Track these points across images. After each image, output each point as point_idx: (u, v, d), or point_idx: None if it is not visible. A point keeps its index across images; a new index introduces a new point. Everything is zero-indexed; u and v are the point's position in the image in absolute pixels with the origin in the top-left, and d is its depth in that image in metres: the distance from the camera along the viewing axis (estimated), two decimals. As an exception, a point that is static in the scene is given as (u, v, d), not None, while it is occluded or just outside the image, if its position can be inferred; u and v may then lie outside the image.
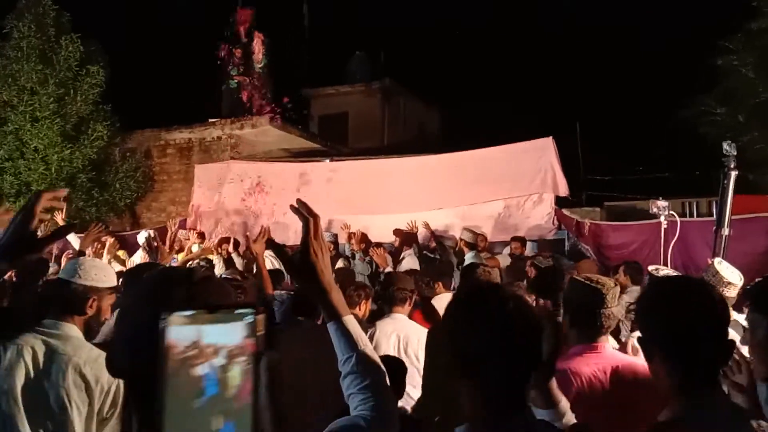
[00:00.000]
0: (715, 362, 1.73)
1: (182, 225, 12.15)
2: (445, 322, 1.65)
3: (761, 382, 2.20)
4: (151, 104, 16.23)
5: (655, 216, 6.21)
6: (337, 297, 1.55)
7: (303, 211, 1.54)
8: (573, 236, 9.94)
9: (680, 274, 4.51)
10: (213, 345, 0.90)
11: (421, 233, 10.08)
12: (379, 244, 8.98)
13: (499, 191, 10.81)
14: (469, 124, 19.54)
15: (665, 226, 6.03)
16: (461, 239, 9.39)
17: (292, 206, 1.56)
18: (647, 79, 18.26)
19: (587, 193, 11.72)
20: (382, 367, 1.55)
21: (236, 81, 14.48)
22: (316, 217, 1.54)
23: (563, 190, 10.42)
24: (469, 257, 8.97)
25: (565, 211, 10.40)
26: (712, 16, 13.45)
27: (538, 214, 10.53)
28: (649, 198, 11.01)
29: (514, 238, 9.48)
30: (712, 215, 7.89)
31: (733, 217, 7.40)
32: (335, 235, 10.61)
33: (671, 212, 6.11)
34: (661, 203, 6.18)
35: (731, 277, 3.97)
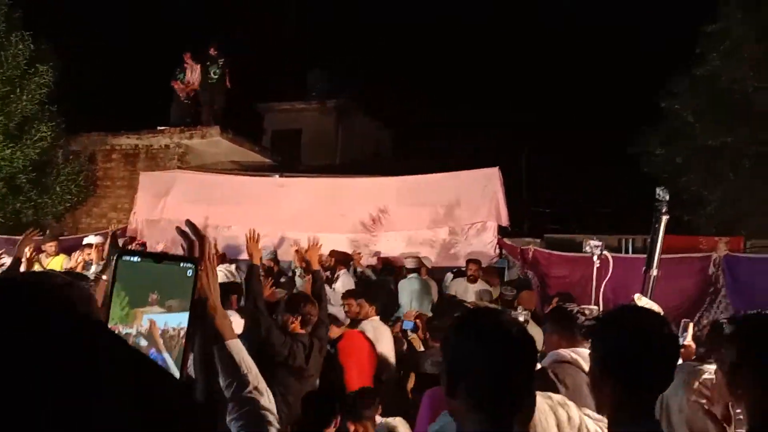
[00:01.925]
0: (654, 388, 1.84)
1: (122, 233, 11.93)
2: (445, 342, 1.71)
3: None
4: (101, 108, 15.87)
5: (590, 255, 6.37)
6: (222, 320, 1.55)
7: (190, 233, 1.53)
8: (518, 264, 10.08)
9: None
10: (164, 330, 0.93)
11: (366, 254, 10.15)
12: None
13: (445, 218, 10.95)
14: (422, 146, 19.72)
15: (597, 265, 6.21)
16: (403, 266, 9.47)
17: (178, 228, 1.55)
18: (594, 115, 18.73)
19: (529, 223, 11.97)
20: (266, 391, 1.57)
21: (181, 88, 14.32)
22: (203, 238, 1.53)
23: (505, 220, 10.62)
24: (412, 278, 9.07)
25: (507, 241, 10.60)
26: (660, 60, 13.88)
27: (480, 242, 10.69)
28: (587, 232, 11.34)
29: (472, 260, 9.55)
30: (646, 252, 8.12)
31: (666, 256, 7.64)
32: (275, 252, 10.54)
33: (604, 252, 6.29)
34: (594, 243, 6.37)
35: (654, 308, 4.11)
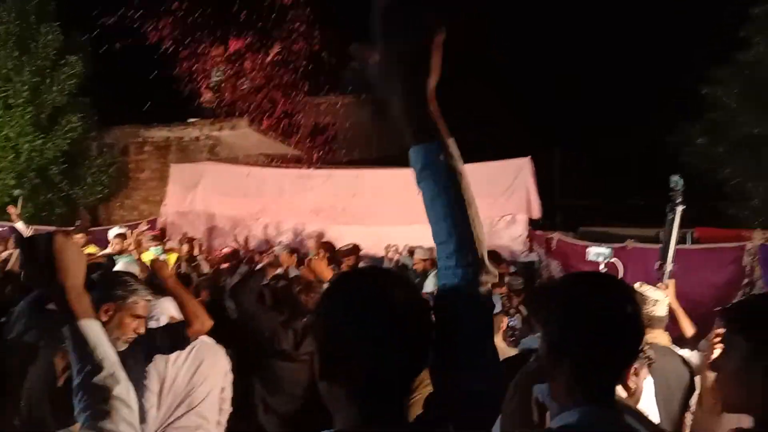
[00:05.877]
0: (607, 370, 1.55)
1: (152, 225, 11.91)
2: (314, 315, 1.34)
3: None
4: (133, 99, 15.93)
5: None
6: (77, 298, 1.42)
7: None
8: (542, 253, 9.73)
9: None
10: None
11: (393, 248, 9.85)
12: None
13: (473, 209, 10.62)
14: (460, 138, 19.33)
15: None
16: (420, 258, 9.06)
17: None
18: (630, 104, 18.05)
19: (561, 216, 11.54)
20: (124, 380, 1.41)
21: (216, 81, 14.36)
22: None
23: (536, 212, 10.28)
24: (431, 277, 8.70)
25: (538, 233, 10.23)
26: (702, 45, 13.22)
27: (510, 235, 10.37)
28: (624, 224, 10.89)
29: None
30: (685, 243, 7.78)
31: (694, 247, 7.28)
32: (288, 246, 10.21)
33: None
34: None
35: (655, 294, 3.80)
